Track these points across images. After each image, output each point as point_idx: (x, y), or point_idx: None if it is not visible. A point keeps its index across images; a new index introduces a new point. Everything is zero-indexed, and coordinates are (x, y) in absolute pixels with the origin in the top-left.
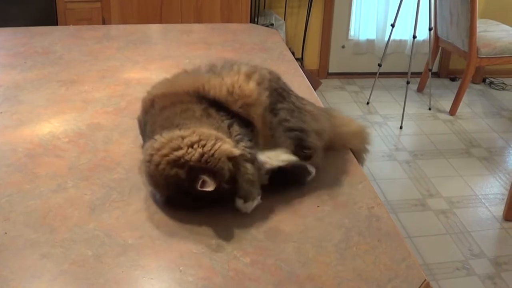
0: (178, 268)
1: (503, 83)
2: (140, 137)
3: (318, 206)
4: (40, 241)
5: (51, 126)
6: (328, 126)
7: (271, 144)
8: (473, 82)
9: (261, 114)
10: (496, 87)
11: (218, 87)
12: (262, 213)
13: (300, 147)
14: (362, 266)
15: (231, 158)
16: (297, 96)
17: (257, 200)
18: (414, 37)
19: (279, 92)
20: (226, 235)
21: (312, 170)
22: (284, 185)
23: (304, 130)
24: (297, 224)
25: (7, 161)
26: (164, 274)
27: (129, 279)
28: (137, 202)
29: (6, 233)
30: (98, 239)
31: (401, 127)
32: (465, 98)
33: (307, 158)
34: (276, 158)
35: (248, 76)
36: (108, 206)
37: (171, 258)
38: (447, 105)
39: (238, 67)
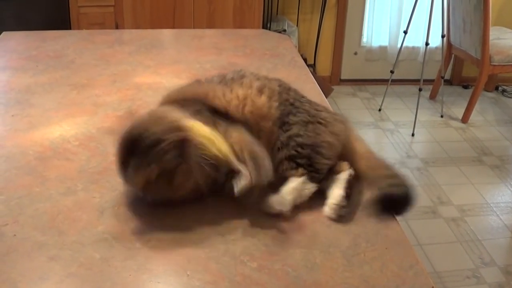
0: (185, 272)
1: None
2: None
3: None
4: (48, 244)
5: (61, 129)
6: (344, 130)
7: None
8: (486, 89)
9: (270, 128)
10: (509, 95)
11: (224, 96)
12: (270, 218)
13: (310, 167)
14: (370, 272)
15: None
16: (310, 103)
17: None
18: (427, 44)
19: (290, 102)
20: (233, 240)
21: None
22: None
23: (317, 145)
24: (305, 229)
25: (18, 164)
26: (171, 278)
27: (136, 282)
28: (145, 206)
29: (15, 235)
30: (106, 242)
31: (413, 134)
32: (477, 106)
33: (314, 180)
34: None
35: (260, 91)
36: (117, 209)
37: (179, 262)
38: (459, 112)
39: (250, 81)
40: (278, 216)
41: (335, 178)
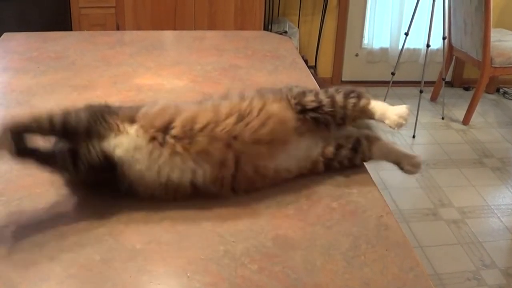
0: (185, 274)
1: None
2: None
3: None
4: (48, 245)
5: None
6: None
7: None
8: (487, 91)
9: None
10: (510, 97)
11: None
12: (270, 220)
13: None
14: (370, 274)
15: None
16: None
17: None
18: (428, 46)
19: (295, 87)
20: (233, 242)
21: None
22: None
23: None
24: (305, 231)
25: (18, 165)
26: (172, 279)
27: (136, 284)
28: (146, 208)
29: (15, 236)
30: (106, 243)
31: (413, 136)
32: (478, 108)
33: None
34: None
35: (262, 97)
36: (117, 211)
37: (179, 263)
38: (460, 114)
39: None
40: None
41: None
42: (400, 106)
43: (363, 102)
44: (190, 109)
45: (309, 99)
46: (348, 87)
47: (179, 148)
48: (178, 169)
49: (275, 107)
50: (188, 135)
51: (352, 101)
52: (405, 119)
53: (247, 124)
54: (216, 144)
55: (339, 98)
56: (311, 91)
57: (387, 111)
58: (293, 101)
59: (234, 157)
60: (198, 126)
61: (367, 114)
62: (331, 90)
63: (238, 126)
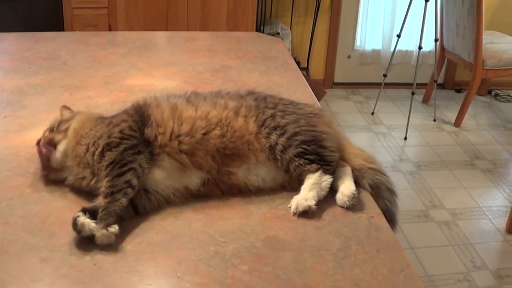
0: (175, 274)
1: (508, 95)
2: None
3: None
4: (39, 245)
5: None
6: (332, 120)
7: (268, 167)
8: (479, 94)
9: (251, 141)
10: (501, 99)
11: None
12: (261, 221)
13: (321, 161)
14: (360, 275)
15: None
16: (291, 103)
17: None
18: (420, 48)
19: (271, 107)
20: (224, 242)
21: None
22: None
23: (319, 139)
24: (296, 232)
25: (9, 165)
26: (162, 280)
27: (127, 284)
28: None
29: (5, 236)
30: (96, 244)
31: (405, 138)
32: (470, 110)
33: (329, 172)
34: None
35: (236, 113)
36: None
37: (169, 264)
38: (452, 116)
39: (226, 101)
40: (305, 213)
41: (340, 170)
42: (311, 195)
43: (309, 168)
44: (188, 115)
45: (273, 137)
46: (327, 143)
47: (184, 159)
48: (180, 176)
49: (240, 124)
50: (191, 148)
51: (302, 161)
52: (304, 207)
53: (224, 136)
54: (206, 157)
55: (291, 151)
56: (283, 126)
57: (304, 191)
58: (264, 131)
59: (216, 166)
60: (196, 138)
61: (302, 179)
62: (302, 138)
63: (219, 139)
